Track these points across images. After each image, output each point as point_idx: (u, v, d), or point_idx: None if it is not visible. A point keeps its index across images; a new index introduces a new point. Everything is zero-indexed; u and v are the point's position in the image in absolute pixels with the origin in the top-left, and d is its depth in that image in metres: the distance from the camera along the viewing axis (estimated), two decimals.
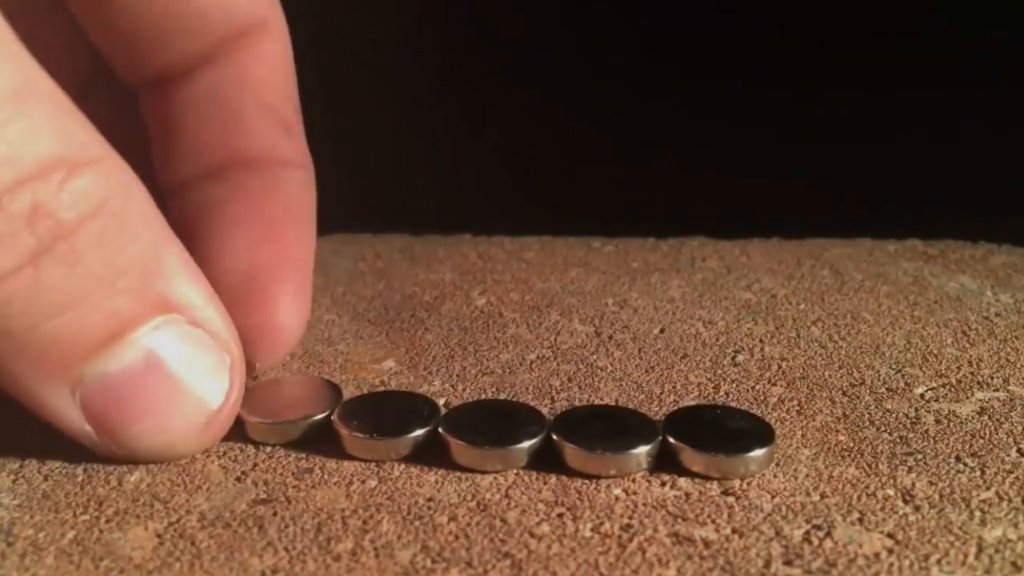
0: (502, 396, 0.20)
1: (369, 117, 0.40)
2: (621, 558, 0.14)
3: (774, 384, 0.21)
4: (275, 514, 0.16)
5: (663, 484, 0.17)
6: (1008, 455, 0.17)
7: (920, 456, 0.17)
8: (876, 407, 0.20)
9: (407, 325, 0.25)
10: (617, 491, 0.16)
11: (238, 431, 0.19)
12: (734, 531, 0.15)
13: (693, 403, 0.20)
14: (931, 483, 0.17)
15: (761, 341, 0.23)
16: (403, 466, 0.17)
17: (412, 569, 0.14)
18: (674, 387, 0.21)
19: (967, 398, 0.20)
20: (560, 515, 0.16)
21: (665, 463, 0.17)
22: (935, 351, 0.22)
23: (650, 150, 0.40)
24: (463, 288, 0.28)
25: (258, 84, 0.22)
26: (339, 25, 0.38)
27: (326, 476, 0.17)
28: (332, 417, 0.18)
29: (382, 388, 0.21)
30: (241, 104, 0.22)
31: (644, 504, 0.16)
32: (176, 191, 0.22)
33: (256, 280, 0.20)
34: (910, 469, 0.17)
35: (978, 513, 0.16)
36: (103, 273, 0.16)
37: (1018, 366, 0.22)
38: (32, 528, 0.15)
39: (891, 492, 0.16)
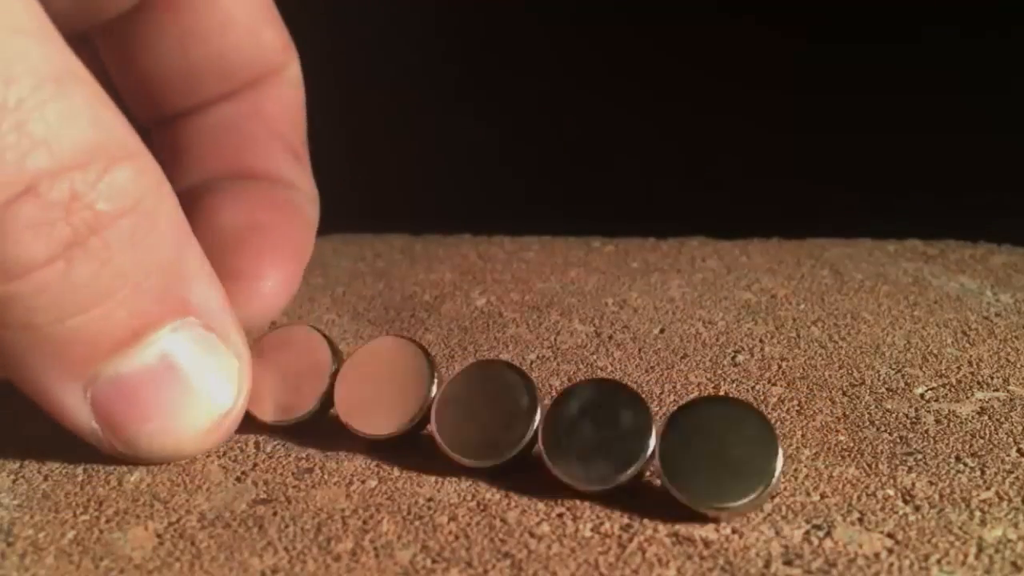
0: None
1: (370, 117, 0.40)
2: (621, 558, 0.14)
3: (774, 384, 0.21)
4: (275, 514, 0.16)
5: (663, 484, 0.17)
6: (1008, 455, 0.17)
7: (920, 456, 0.17)
8: (876, 407, 0.20)
9: (407, 325, 0.25)
10: (617, 491, 0.16)
11: (238, 431, 0.19)
12: (734, 531, 0.15)
13: (699, 398, 0.17)
14: (931, 483, 0.17)
15: (761, 341, 0.23)
16: (403, 466, 0.17)
17: (412, 569, 0.14)
18: (674, 387, 0.21)
19: (967, 398, 0.20)
20: (560, 515, 0.16)
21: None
22: (935, 351, 0.22)
23: (650, 150, 0.40)
24: (463, 288, 0.28)
25: (272, 117, 0.22)
26: (339, 25, 0.38)
27: (326, 476, 0.17)
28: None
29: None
30: (252, 130, 0.22)
31: (644, 504, 0.16)
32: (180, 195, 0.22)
33: (243, 247, 0.20)
34: (910, 469, 0.17)
35: (978, 513, 0.16)
36: (132, 272, 0.16)
37: (1018, 366, 0.22)
38: (32, 528, 0.15)
39: (891, 492, 0.16)
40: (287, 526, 0.15)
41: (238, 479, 0.17)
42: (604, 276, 0.29)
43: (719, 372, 0.22)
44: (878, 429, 0.19)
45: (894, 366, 0.22)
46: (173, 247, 0.16)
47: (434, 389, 0.18)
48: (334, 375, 0.18)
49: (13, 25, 0.15)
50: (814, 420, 0.19)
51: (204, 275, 0.17)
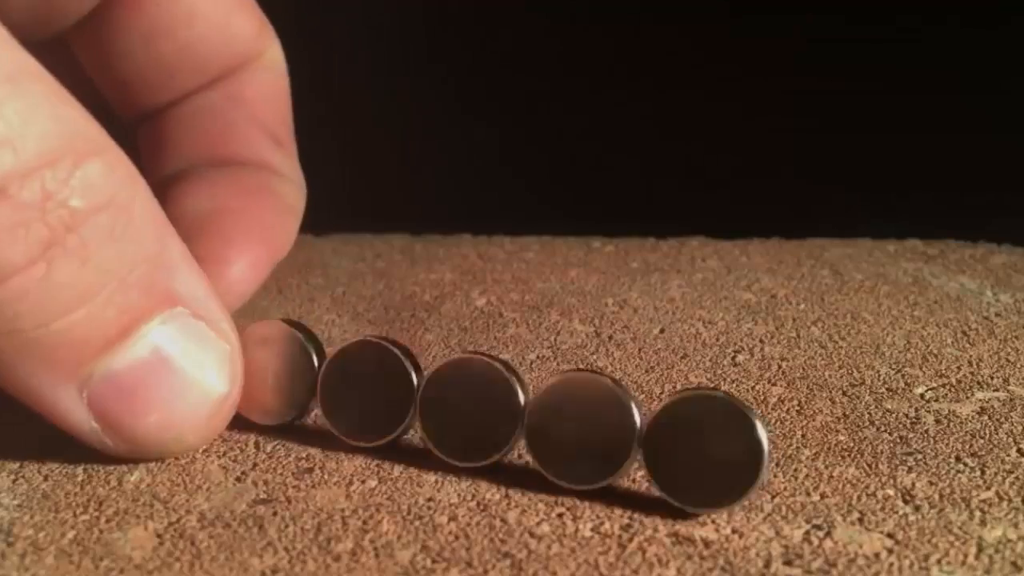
0: None
1: (369, 117, 0.40)
2: (621, 558, 0.14)
3: (774, 384, 0.21)
4: (275, 514, 0.16)
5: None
6: (1008, 455, 0.17)
7: (920, 456, 0.17)
8: (876, 407, 0.20)
9: (407, 325, 0.25)
10: (617, 491, 0.16)
11: (238, 431, 0.19)
12: (734, 531, 0.15)
13: (687, 394, 0.16)
14: (931, 483, 0.17)
15: (761, 341, 0.23)
16: (403, 466, 0.17)
17: (412, 569, 0.14)
18: (674, 387, 0.21)
19: (967, 398, 0.20)
20: (560, 515, 0.16)
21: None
22: (935, 351, 0.22)
23: (651, 150, 0.40)
24: (463, 288, 0.28)
25: (250, 102, 0.22)
26: (339, 25, 0.38)
27: (326, 476, 0.17)
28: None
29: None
30: (229, 117, 0.22)
31: (644, 504, 0.16)
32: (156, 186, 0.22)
33: (209, 233, 0.20)
34: (910, 469, 0.17)
35: (978, 513, 0.16)
36: (114, 268, 0.16)
37: (1018, 366, 0.22)
38: (32, 528, 0.15)
39: (891, 492, 0.16)
40: (287, 526, 0.15)
41: (238, 479, 0.17)
42: (604, 276, 0.29)
43: (719, 372, 0.22)
44: (878, 429, 0.19)
45: (894, 366, 0.22)
46: (153, 238, 0.16)
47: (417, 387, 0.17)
48: (318, 376, 0.18)
49: None
50: (814, 420, 0.19)
51: (187, 263, 0.17)
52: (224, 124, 0.22)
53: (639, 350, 0.23)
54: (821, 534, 0.15)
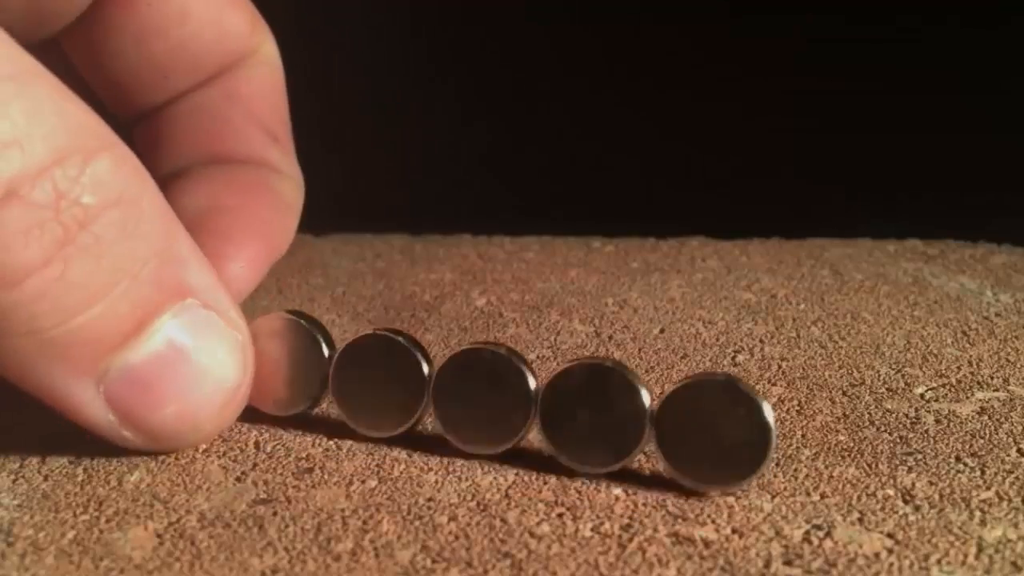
0: None
1: (369, 117, 0.40)
2: (621, 558, 0.14)
3: (774, 384, 0.21)
4: (275, 514, 0.16)
5: (663, 484, 0.17)
6: (1008, 455, 0.17)
7: (920, 456, 0.17)
8: (876, 407, 0.20)
9: (407, 325, 0.25)
10: (617, 491, 0.16)
11: (238, 431, 0.19)
12: (734, 531, 0.15)
13: (695, 379, 0.16)
14: (931, 483, 0.17)
15: (761, 341, 0.23)
16: (403, 466, 0.17)
17: (412, 569, 0.14)
18: None
19: (967, 398, 0.20)
20: (560, 515, 0.16)
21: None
22: (935, 351, 0.23)
23: (651, 150, 0.40)
24: (463, 288, 0.28)
25: (246, 99, 0.22)
26: (338, 25, 0.38)
27: (326, 476, 0.17)
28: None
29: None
30: (225, 114, 0.22)
31: (644, 504, 0.16)
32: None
33: (207, 230, 0.20)
34: (910, 469, 0.17)
35: (978, 513, 0.16)
36: (128, 264, 0.16)
37: (1018, 366, 0.22)
38: (32, 528, 0.15)
39: (891, 492, 0.16)
40: (287, 526, 0.15)
41: (238, 479, 0.17)
42: (604, 276, 0.29)
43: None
44: (878, 429, 0.19)
45: (894, 366, 0.22)
46: (163, 232, 0.16)
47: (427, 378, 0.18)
48: (330, 366, 0.18)
49: None
50: (814, 420, 0.19)
51: (195, 255, 0.17)
52: (220, 122, 0.22)
53: (639, 350, 0.23)
54: (821, 534, 0.15)
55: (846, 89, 0.37)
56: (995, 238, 0.31)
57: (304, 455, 0.18)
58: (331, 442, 0.18)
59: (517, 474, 0.17)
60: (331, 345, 0.18)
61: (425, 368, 0.18)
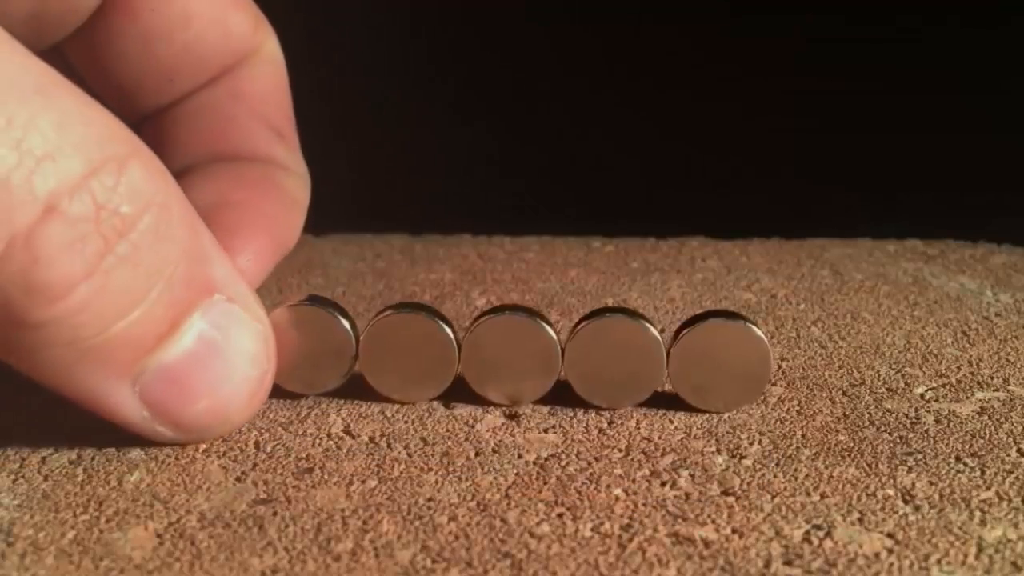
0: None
1: (369, 117, 0.40)
2: (621, 558, 0.14)
3: (774, 384, 0.21)
4: (275, 514, 0.16)
5: (663, 484, 0.17)
6: (1008, 455, 0.17)
7: (920, 456, 0.17)
8: (876, 407, 0.20)
9: None
10: (617, 491, 0.16)
11: (238, 431, 0.19)
12: (734, 531, 0.15)
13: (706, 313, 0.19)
14: (931, 483, 0.17)
15: None
16: (403, 466, 0.17)
17: (412, 569, 0.14)
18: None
19: (967, 398, 0.20)
20: (560, 515, 0.16)
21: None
22: (935, 351, 0.23)
23: (651, 150, 0.40)
24: (463, 288, 0.28)
25: (250, 97, 0.22)
26: (339, 25, 0.38)
27: (326, 476, 0.17)
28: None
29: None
30: (230, 112, 0.22)
31: (644, 504, 0.16)
32: None
33: (213, 226, 0.20)
34: (910, 469, 0.17)
35: (978, 513, 0.16)
36: (162, 267, 0.16)
37: (1018, 366, 0.22)
38: (32, 528, 0.15)
39: (891, 492, 0.16)
40: (287, 526, 0.15)
41: (238, 479, 0.17)
42: (604, 276, 0.29)
43: None
44: (878, 429, 0.19)
45: (894, 366, 0.22)
46: (190, 232, 0.16)
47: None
48: (357, 344, 0.19)
49: None
50: (814, 420, 0.19)
51: (217, 250, 0.17)
52: (225, 120, 0.22)
53: None
54: (821, 534, 0.15)
55: (846, 89, 0.37)
56: (995, 238, 0.31)
57: (304, 455, 0.18)
58: (331, 442, 0.18)
59: (517, 474, 0.17)
60: (353, 323, 0.19)
61: (452, 336, 0.19)
